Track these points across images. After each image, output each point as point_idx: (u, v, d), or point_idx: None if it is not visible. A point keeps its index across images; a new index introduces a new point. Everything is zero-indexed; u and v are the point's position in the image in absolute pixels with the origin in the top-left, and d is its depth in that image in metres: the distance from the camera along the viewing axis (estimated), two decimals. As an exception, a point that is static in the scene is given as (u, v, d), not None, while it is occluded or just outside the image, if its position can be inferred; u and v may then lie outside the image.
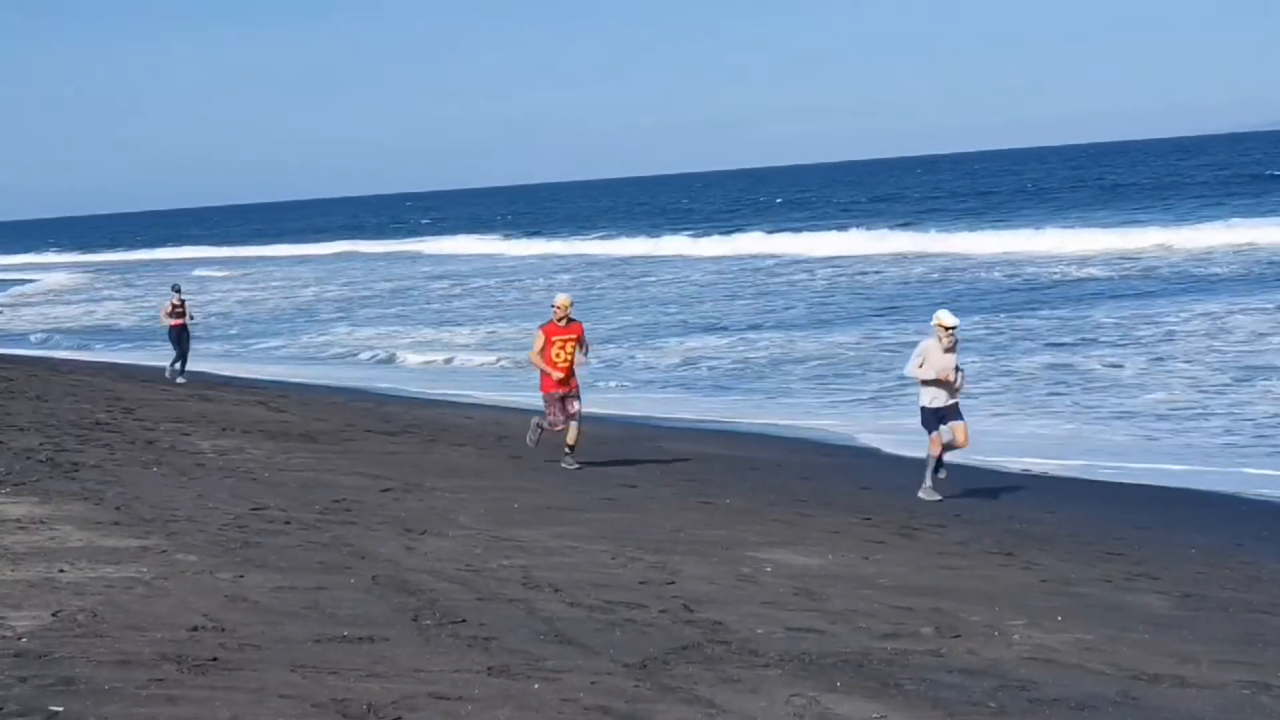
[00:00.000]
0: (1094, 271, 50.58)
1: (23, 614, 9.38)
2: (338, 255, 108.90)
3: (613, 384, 30.91)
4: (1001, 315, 39.01)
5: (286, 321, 55.22)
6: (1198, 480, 18.47)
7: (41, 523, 12.71)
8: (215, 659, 8.51)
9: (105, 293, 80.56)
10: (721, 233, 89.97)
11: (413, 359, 39.32)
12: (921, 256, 62.67)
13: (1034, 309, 40.36)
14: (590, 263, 77.99)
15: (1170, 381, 26.43)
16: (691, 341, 38.19)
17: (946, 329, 16.96)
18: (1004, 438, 21.97)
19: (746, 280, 58.97)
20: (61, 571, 10.74)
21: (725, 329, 41.24)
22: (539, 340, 18.79)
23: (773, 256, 70.46)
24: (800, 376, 30.75)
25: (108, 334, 53.72)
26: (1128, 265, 51.96)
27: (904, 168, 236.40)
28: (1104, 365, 29.04)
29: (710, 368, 33.32)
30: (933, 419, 17.10)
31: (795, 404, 27.22)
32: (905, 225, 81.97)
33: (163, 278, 78.27)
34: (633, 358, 35.76)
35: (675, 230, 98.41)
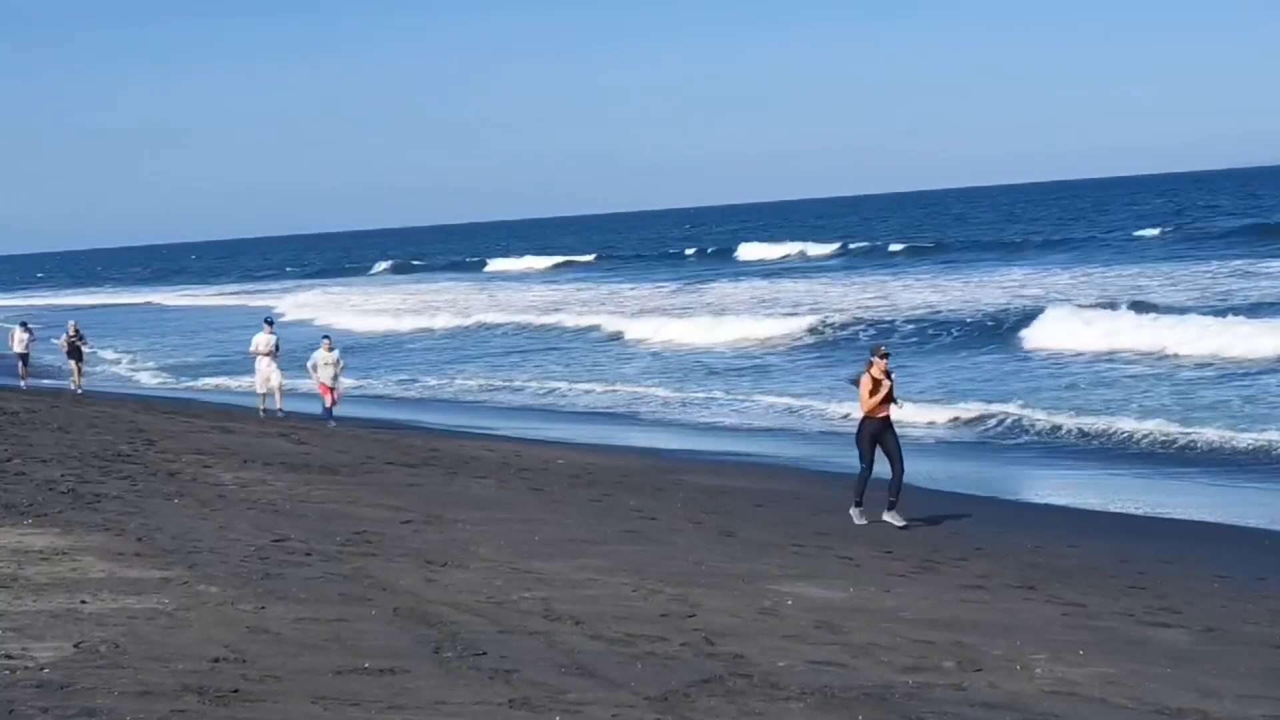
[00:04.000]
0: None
1: (45, 645, 9.41)
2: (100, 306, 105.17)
3: None
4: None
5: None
6: (1219, 514, 18.41)
7: (63, 554, 12.75)
8: (237, 690, 8.52)
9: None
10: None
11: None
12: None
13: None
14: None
15: (1188, 416, 26.38)
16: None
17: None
18: (1025, 472, 21.91)
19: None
20: (83, 603, 10.77)
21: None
22: None
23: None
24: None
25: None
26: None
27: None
28: (1111, 406, 29.00)
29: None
30: None
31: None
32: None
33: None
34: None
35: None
